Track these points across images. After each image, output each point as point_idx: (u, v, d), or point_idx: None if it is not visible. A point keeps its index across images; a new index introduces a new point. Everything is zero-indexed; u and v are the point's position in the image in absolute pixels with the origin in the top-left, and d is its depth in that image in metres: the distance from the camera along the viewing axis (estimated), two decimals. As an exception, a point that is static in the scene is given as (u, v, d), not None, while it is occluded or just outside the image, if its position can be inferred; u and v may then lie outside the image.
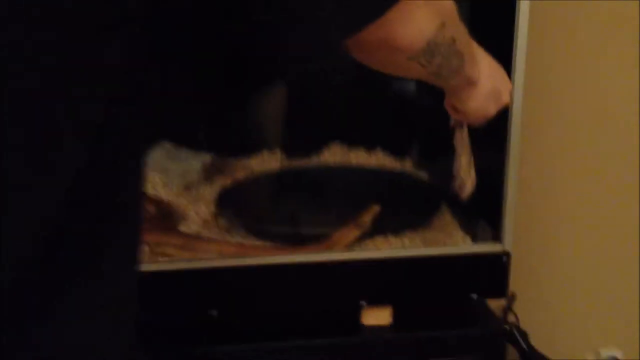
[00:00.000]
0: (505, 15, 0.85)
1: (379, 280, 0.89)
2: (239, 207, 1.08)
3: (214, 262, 0.89)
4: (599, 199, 1.32)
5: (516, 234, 1.24)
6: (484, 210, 0.94)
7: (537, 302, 1.34)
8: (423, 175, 1.20)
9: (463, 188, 0.87)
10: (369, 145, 1.28)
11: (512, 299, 1.14)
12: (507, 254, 0.90)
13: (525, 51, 0.84)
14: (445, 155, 0.89)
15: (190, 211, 1.09)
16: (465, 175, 0.86)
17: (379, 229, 0.96)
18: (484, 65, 0.68)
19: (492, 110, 0.72)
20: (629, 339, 1.39)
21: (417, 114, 1.18)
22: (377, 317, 0.90)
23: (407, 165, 1.29)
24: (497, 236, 0.90)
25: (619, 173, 1.30)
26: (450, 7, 0.56)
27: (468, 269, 0.90)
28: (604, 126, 1.28)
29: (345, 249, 0.94)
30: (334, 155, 1.27)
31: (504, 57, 0.85)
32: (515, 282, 1.26)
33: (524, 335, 1.10)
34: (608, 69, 1.25)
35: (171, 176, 1.17)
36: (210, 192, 1.15)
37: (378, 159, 1.27)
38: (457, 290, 0.91)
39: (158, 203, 1.11)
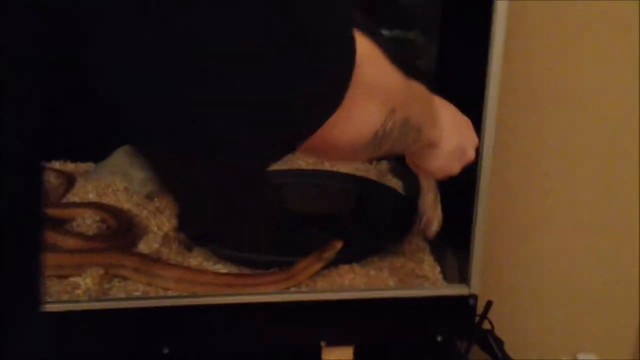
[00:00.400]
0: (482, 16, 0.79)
1: (340, 319, 0.86)
2: (200, 223, 1.03)
3: (167, 301, 0.85)
4: (574, 204, 1.28)
5: (492, 239, 1.21)
6: (452, 245, 0.89)
7: (513, 308, 1.32)
8: (396, 183, 1.15)
9: (429, 226, 0.82)
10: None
11: (488, 306, 1.11)
12: (474, 297, 0.86)
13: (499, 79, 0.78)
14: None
15: (152, 225, 1.05)
16: (432, 213, 0.82)
17: (343, 256, 0.91)
18: (447, 124, 0.63)
19: (456, 167, 0.67)
20: (606, 343, 1.37)
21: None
22: (338, 355, 0.86)
23: (383, 168, 1.24)
24: (464, 278, 0.85)
25: (595, 182, 1.28)
26: (402, 87, 0.50)
27: (434, 310, 0.86)
28: (574, 155, 1.25)
29: (307, 279, 0.89)
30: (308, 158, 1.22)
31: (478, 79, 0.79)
32: (492, 288, 1.23)
33: (500, 343, 1.08)
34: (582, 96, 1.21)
35: (133, 184, 1.12)
36: (172, 202, 1.09)
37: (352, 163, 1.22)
38: (422, 331, 0.87)
39: (118, 215, 1.06)
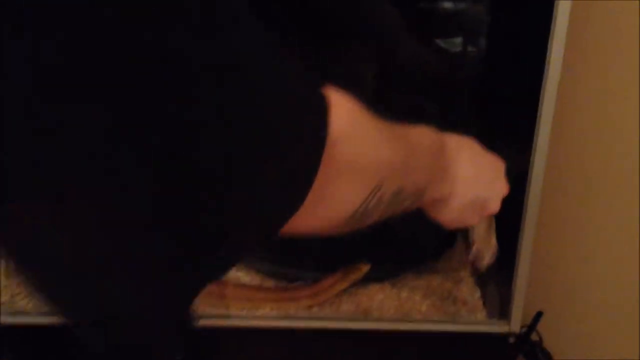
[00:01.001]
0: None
1: (362, 348, 0.78)
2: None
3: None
4: (630, 204, 1.16)
5: (544, 245, 1.11)
6: (496, 277, 0.80)
7: (565, 319, 1.22)
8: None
9: (480, 259, 0.72)
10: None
11: (537, 317, 1.03)
12: (514, 335, 0.77)
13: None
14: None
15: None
16: (483, 245, 0.71)
17: (373, 275, 0.84)
18: (464, 173, 0.52)
19: (474, 219, 0.56)
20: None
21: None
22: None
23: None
24: (504, 311, 0.77)
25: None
26: (392, 157, 0.41)
27: (469, 344, 0.78)
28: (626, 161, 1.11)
29: (332, 298, 0.83)
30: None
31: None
32: (542, 298, 1.14)
33: (548, 356, 1.00)
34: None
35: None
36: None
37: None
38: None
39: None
